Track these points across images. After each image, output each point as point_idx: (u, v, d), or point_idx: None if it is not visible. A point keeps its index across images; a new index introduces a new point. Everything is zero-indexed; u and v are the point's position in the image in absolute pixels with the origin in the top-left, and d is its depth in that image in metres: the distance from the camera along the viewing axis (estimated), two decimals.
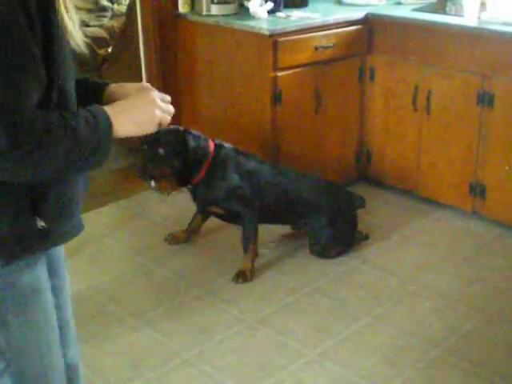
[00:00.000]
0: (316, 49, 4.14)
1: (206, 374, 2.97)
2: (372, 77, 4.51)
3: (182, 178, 3.66)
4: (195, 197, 3.78)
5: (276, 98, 4.05)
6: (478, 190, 4.17)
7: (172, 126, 3.44)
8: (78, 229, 1.75)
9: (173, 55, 4.52)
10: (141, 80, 4.54)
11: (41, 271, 1.72)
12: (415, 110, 4.33)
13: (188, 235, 4.09)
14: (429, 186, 4.45)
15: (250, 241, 3.70)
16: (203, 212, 3.93)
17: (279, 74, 4.03)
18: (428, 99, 4.24)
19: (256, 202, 3.67)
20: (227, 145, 3.74)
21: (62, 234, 1.69)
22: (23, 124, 1.41)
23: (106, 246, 4.08)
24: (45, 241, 1.65)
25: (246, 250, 3.71)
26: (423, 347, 3.15)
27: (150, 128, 1.71)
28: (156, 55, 4.49)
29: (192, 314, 3.41)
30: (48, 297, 1.76)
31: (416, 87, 4.28)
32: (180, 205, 4.53)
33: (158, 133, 3.11)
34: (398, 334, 3.24)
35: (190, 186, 3.72)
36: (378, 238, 4.12)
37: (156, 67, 4.51)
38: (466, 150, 4.17)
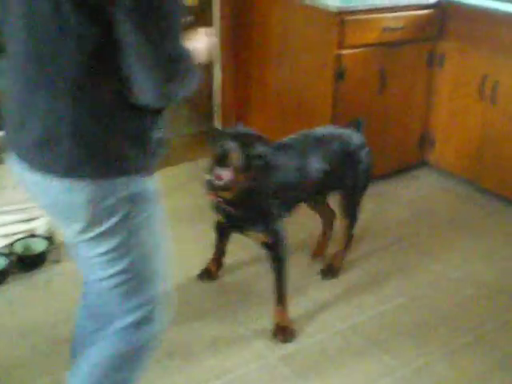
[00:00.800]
0: (384, 30, 4.14)
1: None
2: (441, 62, 4.48)
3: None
4: None
5: (339, 75, 4.08)
6: None
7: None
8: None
9: (246, 26, 4.61)
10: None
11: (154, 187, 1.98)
12: (482, 100, 4.29)
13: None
14: (491, 178, 4.40)
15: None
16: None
17: (344, 51, 4.06)
18: (494, 89, 4.19)
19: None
20: None
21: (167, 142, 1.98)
22: (178, 58, 1.75)
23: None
24: (162, 148, 1.94)
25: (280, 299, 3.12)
26: (455, 332, 3.16)
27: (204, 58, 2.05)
28: (229, 26, 4.59)
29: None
30: (159, 210, 2.02)
31: (484, 76, 4.23)
32: None
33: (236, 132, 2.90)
34: (435, 320, 3.27)
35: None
36: (428, 223, 4.12)
37: (229, 37, 4.62)
38: None
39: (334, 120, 4.16)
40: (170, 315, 2.15)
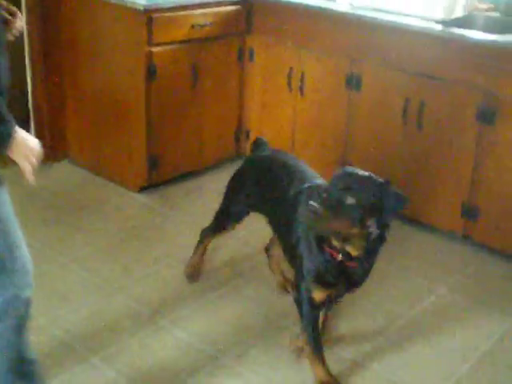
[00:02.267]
0: (193, 26, 4.21)
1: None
2: (251, 57, 4.62)
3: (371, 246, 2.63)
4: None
5: (150, 73, 4.10)
6: None
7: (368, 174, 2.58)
8: None
9: (55, 29, 4.50)
10: (23, 55, 4.52)
11: None
12: (290, 91, 4.46)
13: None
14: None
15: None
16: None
17: (154, 49, 4.08)
18: (302, 80, 4.37)
19: None
20: None
21: None
22: None
23: None
24: None
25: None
26: (389, 316, 3.27)
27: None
28: (38, 29, 4.45)
29: (54, 280, 3.47)
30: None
31: (291, 68, 4.41)
32: (60, 177, 4.59)
33: (347, 177, 2.53)
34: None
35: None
36: None
37: (38, 41, 4.48)
38: (336, 129, 4.33)
39: (149, 119, 4.19)
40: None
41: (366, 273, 2.73)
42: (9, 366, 2.28)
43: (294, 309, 2.91)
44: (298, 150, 4.55)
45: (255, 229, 3.71)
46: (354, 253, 2.58)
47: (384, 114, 4.10)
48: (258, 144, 3.41)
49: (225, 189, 3.40)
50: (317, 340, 2.83)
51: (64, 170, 4.72)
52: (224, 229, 3.45)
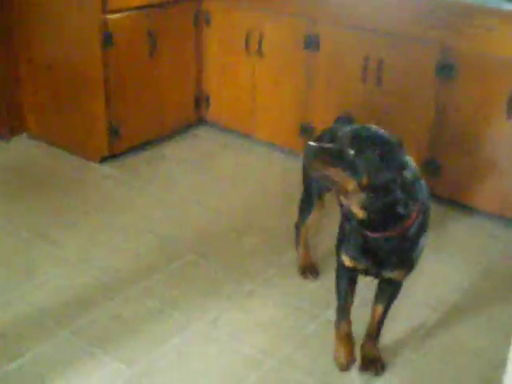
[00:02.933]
0: None
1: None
2: (208, 21, 4.56)
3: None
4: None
5: (107, 41, 4.03)
6: (307, 131, 4.32)
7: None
8: None
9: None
10: None
11: None
12: (249, 54, 4.42)
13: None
14: (264, 129, 4.58)
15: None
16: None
17: (110, 16, 4.01)
18: (260, 43, 4.34)
19: None
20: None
21: None
22: None
23: None
24: None
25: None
26: (242, 280, 3.28)
27: None
28: None
29: (16, 256, 3.43)
30: None
31: (249, 31, 4.37)
32: (19, 151, 4.51)
33: (363, 130, 2.38)
34: (220, 269, 3.37)
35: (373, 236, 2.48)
36: (205, 176, 4.23)
37: None
38: (296, 91, 4.31)
39: (107, 88, 4.12)
40: None
41: (394, 253, 2.48)
42: None
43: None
44: (259, 113, 4.53)
45: None
46: (357, 212, 2.38)
47: (343, 73, 4.09)
48: (342, 119, 3.17)
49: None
50: (341, 308, 2.73)
51: (22, 144, 4.64)
52: (310, 211, 3.20)
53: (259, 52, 4.36)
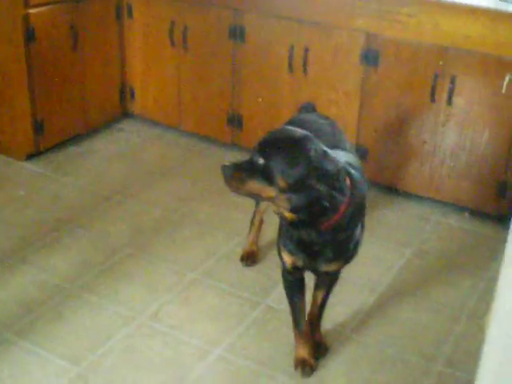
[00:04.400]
0: None
1: None
2: (130, 14, 4.53)
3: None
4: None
5: (29, 36, 3.95)
6: (235, 122, 4.35)
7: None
8: None
9: None
10: None
11: None
12: (173, 46, 4.42)
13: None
14: (191, 121, 4.58)
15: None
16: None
17: (31, 11, 3.94)
18: (184, 34, 4.34)
19: None
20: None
21: None
22: None
23: None
24: None
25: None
26: (181, 271, 3.30)
27: None
28: None
29: None
30: None
31: (172, 23, 4.36)
32: None
33: (275, 133, 2.39)
34: (158, 261, 3.37)
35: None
36: (133, 169, 4.22)
37: None
38: (223, 83, 4.33)
39: (31, 84, 4.06)
40: None
41: (328, 246, 2.48)
42: None
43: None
44: (186, 105, 4.54)
45: None
46: (288, 216, 2.37)
47: (270, 63, 4.13)
48: (305, 108, 3.22)
49: None
50: (294, 311, 2.74)
51: None
52: None
53: (184, 44, 4.36)
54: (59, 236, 3.55)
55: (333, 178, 2.26)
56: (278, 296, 3.12)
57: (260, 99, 4.21)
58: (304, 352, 2.77)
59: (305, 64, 3.98)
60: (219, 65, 4.30)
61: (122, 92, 4.74)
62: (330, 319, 3.01)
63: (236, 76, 4.26)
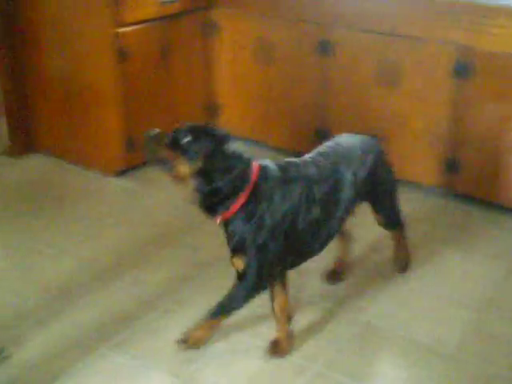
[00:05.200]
0: (161, 3, 4.15)
1: None
2: (217, 31, 4.57)
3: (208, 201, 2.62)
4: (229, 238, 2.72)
5: (120, 54, 4.03)
6: (323, 135, 4.33)
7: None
8: None
9: (14, 15, 4.36)
10: None
11: None
12: (259, 62, 4.44)
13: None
14: (278, 136, 4.59)
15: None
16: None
17: (123, 30, 4.01)
18: (271, 50, 4.35)
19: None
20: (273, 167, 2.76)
21: None
22: None
23: None
24: None
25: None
26: None
27: None
28: None
29: (45, 272, 3.41)
30: None
31: (259, 39, 4.38)
32: (33, 168, 4.51)
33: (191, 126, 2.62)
34: None
35: (220, 221, 2.68)
36: None
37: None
38: (310, 97, 4.32)
39: (123, 102, 4.12)
40: None
41: (231, 238, 2.66)
42: None
43: None
44: (273, 120, 4.54)
45: None
46: (192, 196, 2.61)
47: (358, 76, 4.10)
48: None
49: None
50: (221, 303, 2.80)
51: (37, 160, 4.63)
52: None
53: (271, 59, 4.37)
54: (152, 251, 3.58)
55: (239, 171, 2.57)
56: (377, 313, 3.08)
57: (348, 113, 4.18)
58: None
59: (394, 77, 3.94)
60: (307, 79, 4.29)
61: (209, 108, 4.78)
62: (427, 335, 2.95)
63: (324, 90, 4.24)
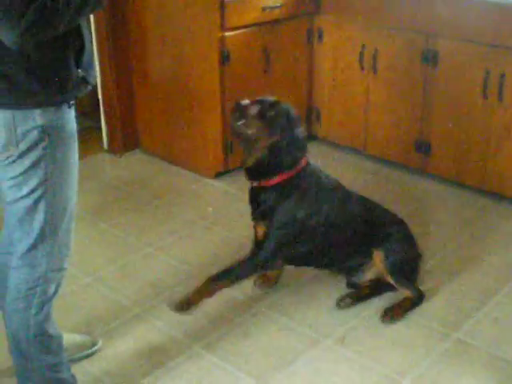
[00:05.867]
0: (263, 9, 4.17)
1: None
2: (320, 37, 4.57)
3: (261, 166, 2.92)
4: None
5: (224, 58, 4.08)
6: (423, 148, 4.27)
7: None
8: (95, 76, 2.33)
9: (122, 18, 4.49)
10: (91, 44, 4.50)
11: (75, 124, 2.26)
12: (362, 69, 4.41)
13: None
14: (377, 145, 4.54)
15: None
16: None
17: (227, 34, 4.06)
18: (374, 58, 4.32)
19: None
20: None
21: (92, 79, 2.25)
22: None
23: None
24: (84, 86, 2.21)
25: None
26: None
27: None
28: (105, 18, 4.45)
29: (143, 270, 3.48)
30: (76, 145, 2.28)
31: (363, 46, 4.35)
32: (133, 166, 4.61)
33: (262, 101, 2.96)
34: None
35: (254, 185, 3.01)
36: None
37: (105, 30, 4.47)
38: (412, 107, 4.27)
39: (223, 105, 4.17)
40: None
41: (271, 203, 2.93)
42: (34, 342, 2.38)
43: None
44: (371, 130, 4.51)
45: None
46: (248, 163, 2.93)
47: (462, 88, 4.02)
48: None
49: None
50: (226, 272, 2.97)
51: (136, 159, 4.74)
52: None
53: (373, 68, 4.34)
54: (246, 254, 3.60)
55: (299, 143, 2.93)
56: (470, 330, 3.02)
57: (450, 125, 4.11)
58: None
59: (500, 90, 3.84)
60: (409, 89, 4.24)
61: (309, 114, 4.78)
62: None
63: (426, 101, 4.18)
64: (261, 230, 3.01)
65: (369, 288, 3.24)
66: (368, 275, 3.21)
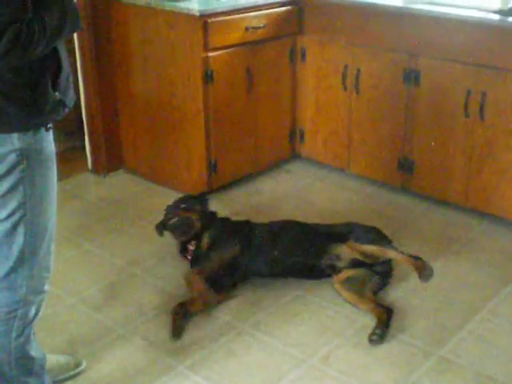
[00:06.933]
0: (246, 29, 4.20)
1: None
2: (303, 57, 4.60)
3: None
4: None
5: (207, 78, 4.10)
6: (406, 166, 4.30)
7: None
8: (73, 98, 2.29)
9: (106, 39, 4.50)
10: (74, 65, 4.52)
11: (53, 147, 2.27)
12: (345, 89, 4.44)
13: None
14: (360, 164, 4.57)
15: None
16: None
17: (210, 54, 4.08)
18: (357, 78, 4.35)
19: None
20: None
21: (69, 102, 2.25)
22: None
23: None
24: (62, 108, 2.20)
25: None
26: (351, 316, 3.26)
27: None
28: (89, 39, 4.46)
29: (128, 290, 3.47)
30: (55, 167, 2.30)
31: (345, 66, 4.39)
32: (117, 186, 4.60)
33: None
34: (327, 304, 3.35)
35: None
36: (310, 213, 4.22)
37: (90, 51, 4.48)
38: (395, 126, 4.30)
39: (207, 124, 4.19)
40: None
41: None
42: (15, 365, 2.38)
43: None
44: (355, 149, 4.53)
45: None
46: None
47: (444, 107, 4.06)
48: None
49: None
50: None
51: (120, 179, 4.74)
52: None
53: (356, 87, 4.37)
54: None
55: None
56: (454, 348, 3.03)
57: (433, 143, 4.14)
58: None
59: (481, 109, 3.88)
60: (392, 108, 4.27)
61: (292, 133, 4.81)
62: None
63: (409, 120, 4.21)
64: None
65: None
66: (347, 257, 3.42)
